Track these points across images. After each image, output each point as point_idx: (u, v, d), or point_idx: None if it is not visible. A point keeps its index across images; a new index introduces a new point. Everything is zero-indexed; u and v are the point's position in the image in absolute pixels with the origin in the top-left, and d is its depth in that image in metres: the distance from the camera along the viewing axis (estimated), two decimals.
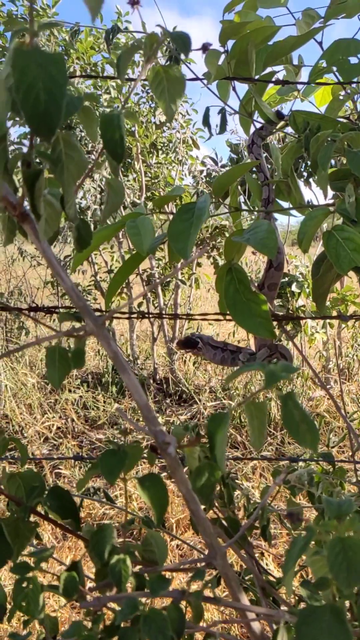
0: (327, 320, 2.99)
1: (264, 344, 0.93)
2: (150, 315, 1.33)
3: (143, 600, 0.50)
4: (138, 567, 0.55)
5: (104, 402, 3.75)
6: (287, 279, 2.92)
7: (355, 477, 0.97)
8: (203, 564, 0.57)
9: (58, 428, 3.43)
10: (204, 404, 3.69)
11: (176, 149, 4.29)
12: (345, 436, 0.97)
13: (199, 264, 4.48)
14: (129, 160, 4.27)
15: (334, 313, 3.04)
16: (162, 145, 4.40)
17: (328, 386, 3.81)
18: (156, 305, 4.31)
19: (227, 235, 4.06)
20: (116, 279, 0.91)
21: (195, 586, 1.07)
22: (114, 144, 0.53)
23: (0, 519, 0.52)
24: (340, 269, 0.78)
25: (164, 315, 1.35)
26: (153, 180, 4.36)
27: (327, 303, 3.02)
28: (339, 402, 3.67)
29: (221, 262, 4.18)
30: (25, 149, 0.47)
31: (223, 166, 3.52)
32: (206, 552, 0.59)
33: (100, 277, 4.22)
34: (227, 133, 4.22)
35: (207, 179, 3.65)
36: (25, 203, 0.52)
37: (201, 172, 3.87)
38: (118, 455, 0.50)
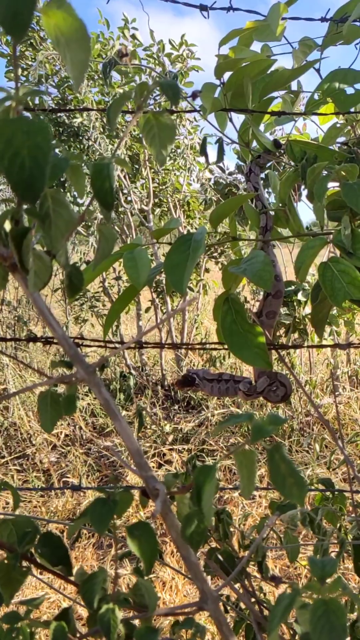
0: (334, 329, 2.98)
1: (263, 373, 0.93)
2: (153, 345, 1.33)
3: None
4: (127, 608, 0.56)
5: None
6: (293, 287, 2.91)
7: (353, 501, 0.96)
8: (194, 608, 0.57)
9: (66, 435, 3.45)
10: (211, 411, 3.69)
11: (184, 156, 4.30)
12: (344, 461, 0.97)
13: (207, 270, 4.48)
14: (137, 166, 4.28)
15: (341, 321, 3.03)
16: (170, 151, 4.40)
17: (337, 393, 3.79)
18: (164, 311, 4.32)
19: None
20: (115, 309, 0.92)
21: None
22: (104, 194, 0.53)
23: None
24: (335, 302, 0.78)
25: (166, 345, 1.36)
26: (161, 187, 4.37)
27: (334, 312, 3.01)
28: (349, 410, 3.66)
29: None
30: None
31: (230, 174, 3.52)
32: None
33: (109, 283, 4.22)
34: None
35: (215, 186, 3.65)
36: None
37: (209, 179, 3.87)
38: (107, 506, 0.51)
